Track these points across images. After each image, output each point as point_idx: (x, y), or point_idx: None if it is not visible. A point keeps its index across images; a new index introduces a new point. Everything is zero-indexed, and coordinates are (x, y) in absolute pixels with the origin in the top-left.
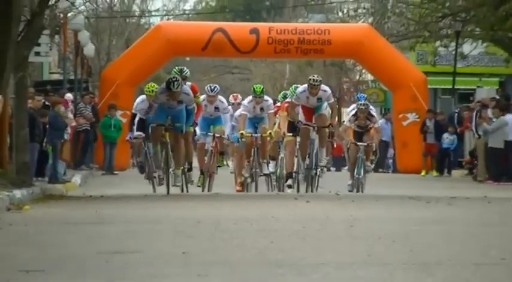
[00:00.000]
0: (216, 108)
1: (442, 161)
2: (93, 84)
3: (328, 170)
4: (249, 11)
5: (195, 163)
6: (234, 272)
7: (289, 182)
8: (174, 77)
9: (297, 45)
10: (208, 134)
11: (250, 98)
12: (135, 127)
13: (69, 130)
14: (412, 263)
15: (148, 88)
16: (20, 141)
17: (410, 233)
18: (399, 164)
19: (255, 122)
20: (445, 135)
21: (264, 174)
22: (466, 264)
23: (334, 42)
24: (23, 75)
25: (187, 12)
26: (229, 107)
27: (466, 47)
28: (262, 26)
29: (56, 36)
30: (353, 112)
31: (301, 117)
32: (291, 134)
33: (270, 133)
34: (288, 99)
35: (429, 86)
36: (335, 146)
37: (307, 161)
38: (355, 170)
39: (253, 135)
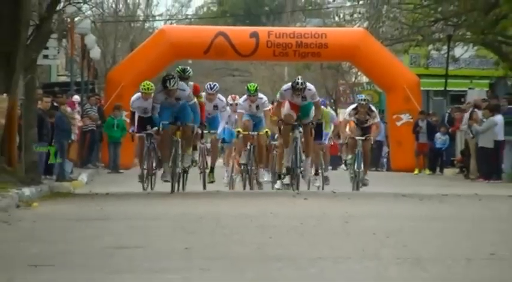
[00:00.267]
0: (215, 106)
1: (435, 160)
2: (99, 86)
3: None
4: (249, 15)
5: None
6: (234, 266)
7: (287, 180)
8: (169, 75)
9: (295, 48)
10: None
11: (245, 97)
12: (135, 125)
13: (76, 131)
14: (405, 258)
15: (144, 86)
16: (29, 141)
17: (403, 229)
18: (393, 163)
19: (252, 120)
20: (438, 135)
21: (258, 183)
22: (457, 259)
23: (330, 46)
24: (32, 77)
25: (189, 16)
26: (228, 108)
27: (458, 51)
28: (262, 30)
29: (64, 40)
30: (353, 106)
31: (287, 109)
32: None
33: (266, 132)
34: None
35: (422, 88)
36: (332, 143)
37: (289, 160)
38: (355, 165)
39: (250, 133)
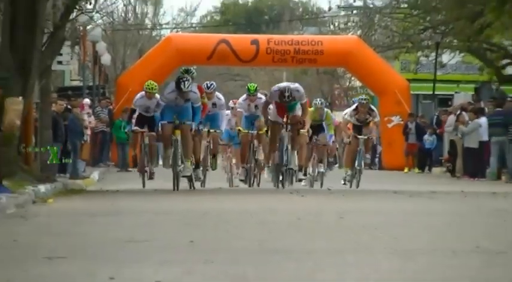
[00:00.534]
0: (214, 104)
1: (424, 159)
2: (109, 90)
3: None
4: (250, 24)
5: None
6: (236, 258)
7: (300, 175)
8: (184, 77)
9: (293, 55)
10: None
11: (244, 96)
12: (134, 121)
13: (88, 132)
14: (396, 250)
15: (148, 85)
16: (44, 141)
17: (394, 224)
18: (384, 162)
19: (252, 119)
20: (426, 136)
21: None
22: (444, 251)
23: (326, 53)
24: (47, 81)
25: (194, 25)
26: (229, 112)
27: (445, 57)
28: (262, 37)
29: (76, 47)
30: (353, 106)
31: (273, 113)
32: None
33: (266, 131)
34: None
35: (412, 92)
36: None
37: (277, 158)
38: (356, 162)
39: (250, 132)
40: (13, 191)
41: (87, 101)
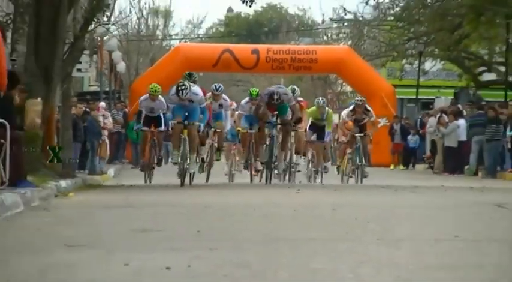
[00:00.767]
0: (220, 105)
1: (408, 157)
2: (124, 95)
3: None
4: (251, 35)
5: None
6: (239, 247)
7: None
8: (182, 85)
9: (290, 63)
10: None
11: (247, 99)
12: (141, 121)
13: (106, 132)
14: (383, 239)
15: (152, 88)
16: (65, 141)
17: (382, 215)
18: (372, 159)
19: (251, 119)
20: (410, 137)
21: (257, 171)
22: (426, 240)
23: (320, 61)
24: (67, 87)
25: (201, 36)
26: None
27: (427, 64)
28: (262, 47)
29: (94, 56)
30: (350, 107)
31: (264, 109)
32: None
33: (259, 129)
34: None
35: (397, 96)
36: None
37: (267, 155)
38: (357, 159)
39: (249, 131)
40: (37, 186)
41: (102, 104)
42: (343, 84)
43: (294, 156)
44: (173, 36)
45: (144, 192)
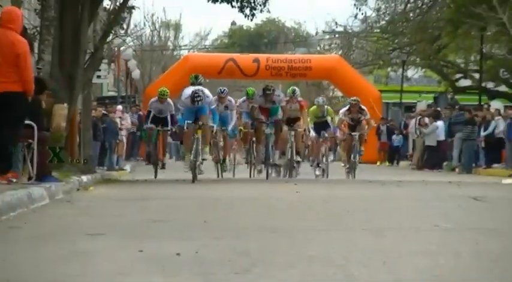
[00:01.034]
0: (226, 107)
1: (393, 155)
2: (138, 99)
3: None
4: (252, 45)
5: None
6: (242, 235)
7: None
8: (198, 96)
9: (287, 70)
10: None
11: (244, 98)
12: (149, 120)
13: (124, 132)
14: (369, 228)
15: (161, 92)
16: (86, 140)
17: (369, 207)
18: (361, 156)
19: (249, 115)
20: (394, 137)
21: (259, 171)
22: (409, 229)
23: (314, 68)
24: (88, 92)
25: (207, 46)
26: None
27: (410, 72)
28: (262, 56)
29: (112, 64)
30: (346, 107)
31: (258, 114)
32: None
33: (253, 128)
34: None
35: (383, 100)
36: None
37: (263, 152)
38: (352, 155)
39: (249, 130)
40: (61, 180)
41: (119, 107)
42: (335, 89)
43: (295, 155)
44: (182, 47)
45: (157, 187)
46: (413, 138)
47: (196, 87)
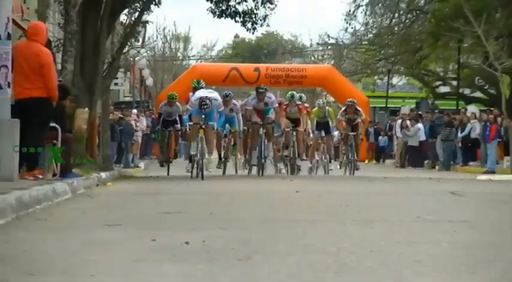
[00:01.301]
0: (231, 109)
1: (379, 154)
2: (151, 104)
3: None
4: (253, 56)
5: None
6: (244, 226)
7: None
8: (205, 104)
9: (284, 78)
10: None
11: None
12: (160, 124)
13: (139, 134)
14: (358, 220)
15: (170, 96)
16: (104, 140)
17: (358, 201)
18: None
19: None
20: (380, 138)
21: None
22: (393, 220)
23: (308, 77)
24: (106, 98)
25: (213, 57)
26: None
27: (395, 80)
28: (262, 66)
29: (128, 73)
30: (343, 108)
31: (253, 116)
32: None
33: (248, 129)
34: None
35: (370, 105)
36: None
37: (258, 151)
38: (349, 154)
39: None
40: (82, 176)
41: (134, 111)
42: (327, 95)
43: (297, 157)
44: (191, 57)
45: (168, 182)
46: (397, 139)
47: (205, 95)
